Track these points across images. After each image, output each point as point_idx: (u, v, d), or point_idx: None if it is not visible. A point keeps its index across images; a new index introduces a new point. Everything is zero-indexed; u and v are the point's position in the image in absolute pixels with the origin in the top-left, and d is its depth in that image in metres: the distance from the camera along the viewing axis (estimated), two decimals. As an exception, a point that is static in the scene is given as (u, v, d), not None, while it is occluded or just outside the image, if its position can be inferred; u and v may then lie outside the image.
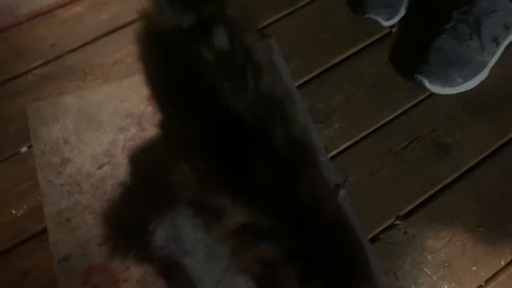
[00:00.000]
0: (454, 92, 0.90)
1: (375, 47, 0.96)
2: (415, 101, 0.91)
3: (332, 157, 0.86)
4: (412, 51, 0.92)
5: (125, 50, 0.94)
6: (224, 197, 0.56)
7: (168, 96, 0.64)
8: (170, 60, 0.60)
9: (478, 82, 0.91)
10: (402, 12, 0.97)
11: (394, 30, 0.97)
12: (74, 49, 0.95)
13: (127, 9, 0.98)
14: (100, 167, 0.83)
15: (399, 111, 0.90)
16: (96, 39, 0.96)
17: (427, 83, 0.88)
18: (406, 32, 0.98)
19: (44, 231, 0.79)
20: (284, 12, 1.00)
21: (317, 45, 0.96)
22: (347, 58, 0.95)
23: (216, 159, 0.56)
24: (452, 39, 0.88)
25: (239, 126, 0.55)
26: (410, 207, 0.83)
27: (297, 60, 0.94)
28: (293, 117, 0.59)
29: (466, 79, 0.89)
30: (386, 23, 0.95)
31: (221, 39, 0.58)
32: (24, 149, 0.85)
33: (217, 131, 0.56)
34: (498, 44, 0.90)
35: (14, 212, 0.81)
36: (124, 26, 0.97)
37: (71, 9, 0.99)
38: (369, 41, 0.97)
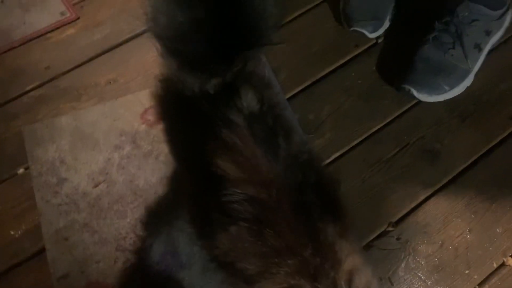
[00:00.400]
0: (441, 99, 0.92)
1: (362, 58, 0.99)
2: (403, 109, 0.93)
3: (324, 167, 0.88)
4: (398, 62, 0.95)
5: (118, 70, 0.96)
6: (257, 264, 0.54)
7: (196, 165, 0.61)
8: (196, 126, 0.58)
9: (464, 88, 0.93)
10: (387, 24, 0.99)
11: (380, 41, 1.00)
12: (68, 71, 0.97)
13: (118, 30, 1.00)
14: (96, 186, 0.85)
15: (388, 120, 0.92)
16: (90, 60, 0.98)
17: (415, 92, 0.90)
18: (391, 43, 1.00)
19: (43, 250, 0.80)
20: (273, 27, 1.02)
21: (305, 58, 0.98)
22: (335, 69, 0.97)
23: (249, 224, 0.54)
24: (436, 49, 0.90)
25: (272, 191, 0.54)
26: (402, 213, 0.84)
27: (287, 73, 0.96)
28: (325, 178, 0.57)
29: (452, 86, 0.91)
30: (372, 35, 0.98)
31: (250, 101, 0.57)
32: (21, 170, 0.87)
33: (250, 196, 0.54)
34: (480, 50, 0.92)
35: (12, 233, 0.82)
36: (117, 46, 0.99)
37: (65, 31, 1.01)
38: (356, 53, 0.99)
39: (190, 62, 0.59)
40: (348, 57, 0.99)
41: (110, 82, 0.95)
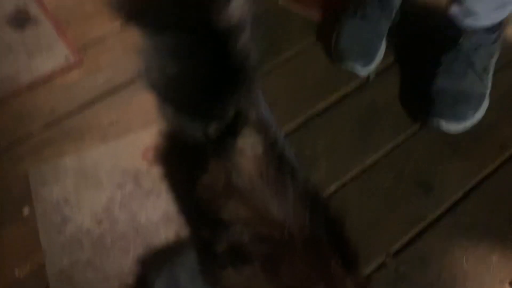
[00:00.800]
0: (468, 126, 0.94)
1: (354, 93, 1.02)
2: (397, 141, 0.96)
3: (321, 200, 0.90)
4: (414, 94, 0.99)
5: (120, 111, 1.00)
6: None
7: (204, 210, 0.60)
8: (201, 172, 0.58)
9: (485, 111, 0.95)
10: (378, 60, 1.03)
11: (371, 77, 1.04)
12: (72, 113, 1.00)
13: (120, 72, 1.04)
14: (99, 224, 0.87)
15: (382, 152, 0.95)
16: (93, 102, 1.02)
17: (444, 124, 0.92)
18: (404, 76, 1.04)
19: (47, 290, 0.82)
20: (268, 67, 1.06)
21: (299, 95, 1.02)
22: (329, 105, 1.01)
23: (263, 264, 0.54)
24: (450, 79, 0.94)
25: (285, 230, 0.53)
26: (399, 245, 0.86)
27: (282, 109, 1.00)
28: (332, 214, 0.59)
29: (475, 110, 0.94)
30: (363, 72, 1.02)
31: (254, 142, 0.57)
32: (26, 210, 0.89)
33: (263, 236, 0.54)
34: (488, 72, 0.96)
35: (17, 273, 0.83)
36: (119, 88, 1.03)
37: (69, 75, 1.05)
38: (348, 88, 1.03)
39: (186, 108, 0.61)
40: (341, 93, 1.02)
41: (112, 123, 0.99)
